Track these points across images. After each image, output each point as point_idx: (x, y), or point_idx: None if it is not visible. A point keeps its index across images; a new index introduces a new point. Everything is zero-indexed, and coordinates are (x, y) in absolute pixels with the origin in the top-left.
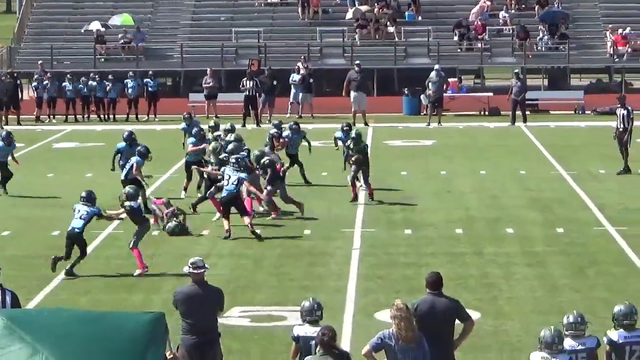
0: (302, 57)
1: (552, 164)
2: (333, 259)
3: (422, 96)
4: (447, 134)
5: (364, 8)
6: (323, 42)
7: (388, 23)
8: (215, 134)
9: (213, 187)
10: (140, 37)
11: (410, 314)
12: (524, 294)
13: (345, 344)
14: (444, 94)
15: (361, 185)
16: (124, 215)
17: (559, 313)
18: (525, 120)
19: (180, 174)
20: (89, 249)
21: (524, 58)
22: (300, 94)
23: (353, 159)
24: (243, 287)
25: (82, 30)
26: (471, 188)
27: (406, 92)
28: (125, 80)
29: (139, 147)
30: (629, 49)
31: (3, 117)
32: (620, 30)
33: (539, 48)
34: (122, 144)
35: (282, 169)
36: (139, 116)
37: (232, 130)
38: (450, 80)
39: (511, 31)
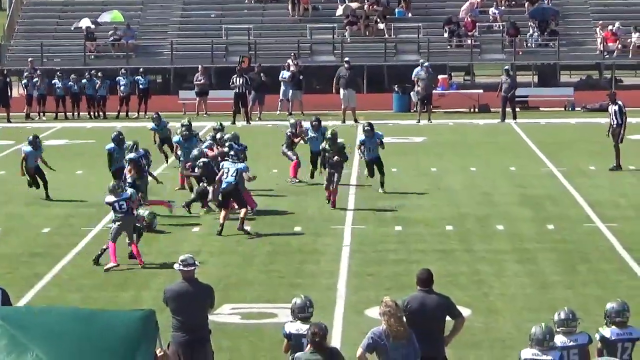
0: (292, 54)
1: (543, 160)
2: (323, 256)
3: (412, 93)
4: (437, 131)
5: (354, 5)
6: (313, 39)
7: (378, 20)
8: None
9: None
10: (130, 34)
11: (400, 310)
12: (514, 290)
13: (335, 341)
14: (434, 91)
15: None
16: None
17: (550, 310)
18: (515, 117)
19: (171, 170)
20: (79, 246)
21: (514, 55)
22: (290, 91)
23: (334, 159)
24: (234, 284)
25: (72, 28)
26: (461, 185)
27: (396, 89)
28: (117, 78)
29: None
30: (619, 46)
31: None
32: (610, 27)
33: (528, 45)
34: (111, 145)
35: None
36: (129, 113)
37: (222, 129)
38: (440, 77)
39: (501, 28)
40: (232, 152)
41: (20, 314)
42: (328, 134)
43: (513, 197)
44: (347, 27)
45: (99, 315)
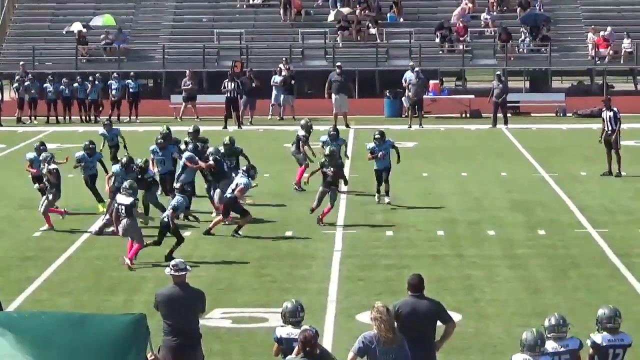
0: (284, 58)
1: (534, 166)
2: (315, 260)
3: (403, 98)
4: (429, 136)
5: (345, 10)
6: (305, 44)
7: (370, 25)
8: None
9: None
10: (122, 38)
11: (391, 315)
12: (505, 296)
13: (326, 346)
14: (425, 96)
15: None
16: None
17: (541, 315)
18: (506, 123)
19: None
20: (70, 250)
21: (506, 60)
22: (282, 96)
23: (331, 174)
24: (225, 288)
25: (64, 32)
26: (453, 190)
27: (388, 94)
28: (109, 82)
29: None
30: (611, 51)
31: None
32: (601, 33)
33: (520, 50)
34: (32, 154)
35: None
36: (120, 117)
37: (197, 132)
38: (431, 82)
39: (493, 33)
40: (243, 168)
41: (10, 318)
42: (326, 151)
43: (504, 202)
44: (338, 32)
45: (89, 320)
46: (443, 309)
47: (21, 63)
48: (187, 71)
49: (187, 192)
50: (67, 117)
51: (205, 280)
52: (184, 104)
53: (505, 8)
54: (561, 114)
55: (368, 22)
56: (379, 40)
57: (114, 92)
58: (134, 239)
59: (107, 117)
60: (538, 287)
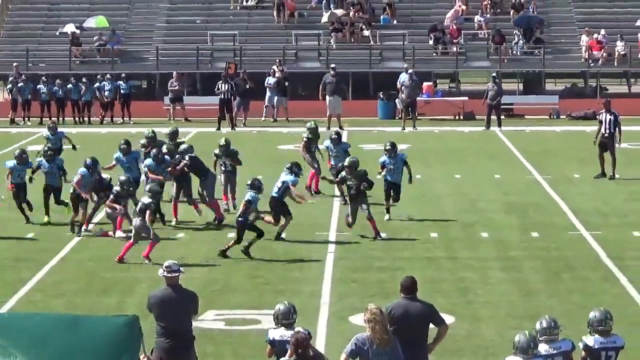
0: (278, 60)
1: (527, 168)
2: (308, 262)
3: (397, 100)
4: (422, 138)
5: (339, 12)
6: (298, 46)
7: (363, 27)
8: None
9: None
10: (116, 40)
11: (385, 318)
12: (499, 298)
13: (319, 348)
14: (419, 98)
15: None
16: None
17: (535, 317)
18: (500, 125)
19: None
20: (63, 251)
21: (499, 62)
22: (276, 97)
23: (358, 188)
24: (218, 290)
25: (57, 33)
26: (446, 192)
27: (381, 96)
28: (102, 83)
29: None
30: (604, 54)
31: None
32: (595, 35)
33: (514, 52)
34: (11, 163)
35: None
36: (114, 119)
37: (175, 134)
38: (425, 84)
39: (486, 35)
40: (287, 166)
41: (4, 319)
42: (346, 162)
43: (498, 204)
44: (332, 34)
45: (83, 321)
46: (435, 311)
47: (14, 64)
48: (174, 73)
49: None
50: (61, 119)
51: (198, 281)
52: (171, 105)
53: (498, 10)
54: (555, 116)
55: (361, 24)
56: (372, 42)
57: (106, 93)
58: (147, 238)
59: (53, 120)
60: (531, 289)
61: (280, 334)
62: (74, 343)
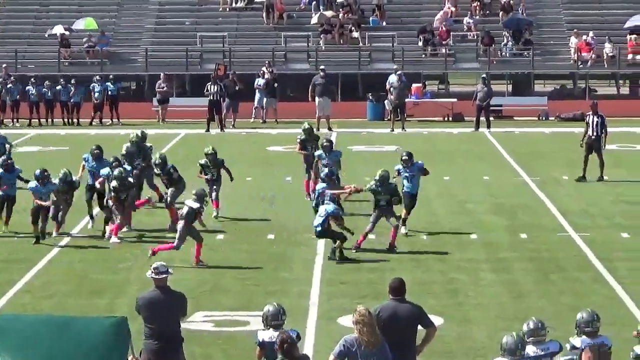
0: (267, 61)
1: (516, 170)
2: (297, 264)
3: (386, 101)
4: (411, 139)
5: (328, 13)
6: (288, 47)
7: (352, 28)
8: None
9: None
10: (105, 41)
11: (373, 319)
12: (489, 299)
13: (308, 349)
14: (408, 100)
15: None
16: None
17: (525, 319)
18: (489, 126)
19: None
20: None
21: (488, 64)
22: (265, 99)
23: (387, 202)
24: (207, 291)
25: (46, 34)
26: (436, 194)
27: (370, 97)
28: (91, 85)
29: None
30: (593, 55)
31: None
32: (584, 37)
33: (503, 54)
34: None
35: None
36: (103, 120)
37: (144, 137)
38: (414, 85)
39: (475, 37)
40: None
41: None
42: (377, 176)
43: (487, 206)
44: (321, 36)
45: (72, 322)
46: (424, 313)
47: (3, 65)
48: (162, 74)
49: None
50: (50, 120)
51: (187, 283)
52: (160, 106)
53: (487, 12)
54: (544, 118)
55: (351, 25)
56: (361, 44)
57: (96, 95)
58: (195, 240)
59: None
60: (521, 290)
61: (270, 335)
62: (63, 344)
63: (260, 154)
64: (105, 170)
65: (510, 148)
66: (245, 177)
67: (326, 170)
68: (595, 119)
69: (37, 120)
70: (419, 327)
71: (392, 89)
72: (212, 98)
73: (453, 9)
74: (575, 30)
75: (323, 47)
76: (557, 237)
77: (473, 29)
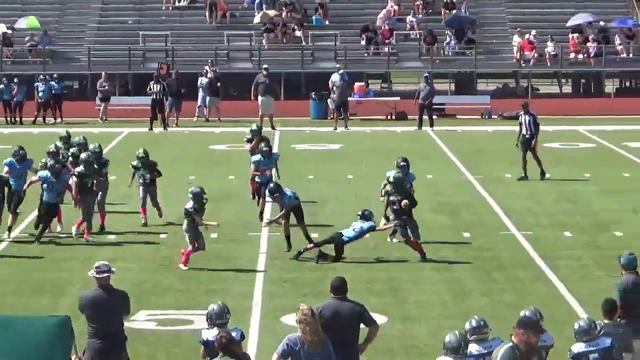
0: (210, 60)
1: (459, 168)
2: (240, 262)
3: (328, 100)
4: (354, 138)
5: (271, 12)
6: (230, 46)
7: (295, 27)
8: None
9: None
10: (47, 40)
11: (316, 318)
12: (431, 298)
13: (251, 348)
14: (350, 98)
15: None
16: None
17: (467, 317)
18: (432, 125)
19: None
20: None
21: (431, 63)
22: (208, 98)
23: (402, 204)
24: (150, 290)
25: None
26: (378, 192)
27: (313, 96)
28: (35, 84)
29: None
30: (535, 54)
31: None
32: (526, 36)
33: (445, 53)
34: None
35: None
36: (46, 119)
37: (69, 137)
38: (357, 84)
39: (418, 36)
40: (359, 214)
41: None
42: (391, 178)
43: (429, 204)
44: (264, 35)
45: (14, 321)
46: (366, 311)
47: None
48: (103, 73)
49: None
50: None
51: (130, 282)
52: (102, 105)
53: (430, 11)
54: (486, 116)
55: (294, 24)
56: (304, 43)
57: (40, 94)
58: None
59: None
60: (464, 289)
61: (214, 334)
62: (4, 343)
63: (204, 153)
64: (43, 173)
65: (453, 147)
66: (188, 176)
67: (267, 193)
68: (528, 118)
69: None
70: (362, 325)
71: (334, 87)
72: (154, 97)
73: (396, 7)
74: (518, 29)
75: (266, 46)
76: (500, 235)
77: (416, 27)
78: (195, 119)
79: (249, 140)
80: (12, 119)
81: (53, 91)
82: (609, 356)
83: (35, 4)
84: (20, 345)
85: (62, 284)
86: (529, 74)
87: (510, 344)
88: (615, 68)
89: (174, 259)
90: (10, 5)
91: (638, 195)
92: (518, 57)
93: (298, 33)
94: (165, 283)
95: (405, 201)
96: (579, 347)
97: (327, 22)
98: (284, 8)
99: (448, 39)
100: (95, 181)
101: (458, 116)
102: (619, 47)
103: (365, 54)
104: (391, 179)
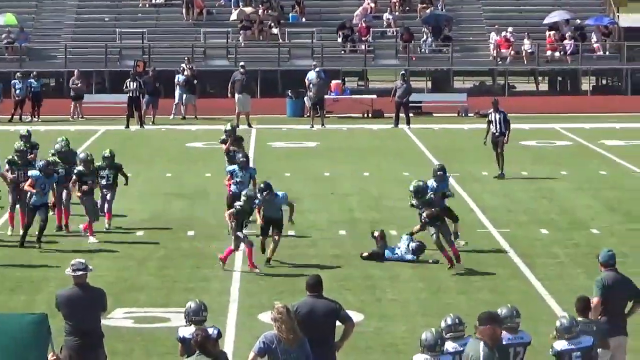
0: (186, 58)
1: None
2: (217, 260)
3: (305, 98)
4: (331, 135)
5: (248, 10)
6: (207, 43)
7: (272, 24)
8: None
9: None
10: (24, 37)
11: (291, 316)
12: (408, 295)
13: (228, 346)
14: (327, 96)
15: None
16: None
17: (444, 315)
18: (408, 123)
19: None
20: None
21: (408, 60)
22: (184, 95)
23: (425, 214)
24: (126, 288)
25: None
26: (355, 190)
27: (290, 94)
28: (12, 81)
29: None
30: (512, 52)
31: None
32: (503, 33)
33: (422, 50)
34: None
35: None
36: (22, 117)
37: (29, 136)
38: (333, 82)
39: (395, 33)
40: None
41: None
42: (411, 187)
43: (406, 202)
44: (241, 32)
45: None
46: (341, 309)
47: None
48: (76, 71)
49: None
50: None
51: (106, 279)
52: (74, 103)
53: (407, 8)
54: (463, 114)
55: (270, 21)
56: (281, 40)
57: (17, 91)
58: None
59: None
60: (441, 286)
61: (191, 331)
62: None
63: (180, 151)
64: (35, 173)
65: (430, 144)
66: (165, 174)
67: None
68: (498, 116)
69: None
70: (337, 323)
71: (311, 85)
72: (131, 95)
73: (372, 5)
74: (495, 26)
75: (242, 44)
76: (477, 233)
77: (393, 25)
78: (171, 116)
79: (224, 142)
80: None
81: (32, 89)
82: (589, 354)
83: (12, 0)
84: None
85: (39, 282)
86: (505, 71)
87: (481, 342)
88: (592, 66)
89: (150, 256)
90: None
91: (614, 192)
92: (495, 54)
93: (275, 30)
94: (141, 281)
95: (426, 212)
96: (561, 345)
97: (303, 20)
98: (260, 5)
99: (425, 37)
100: (93, 180)
101: (435, 114)
102: (595, 45)
103: (342, 52)
104: (411, 188)
